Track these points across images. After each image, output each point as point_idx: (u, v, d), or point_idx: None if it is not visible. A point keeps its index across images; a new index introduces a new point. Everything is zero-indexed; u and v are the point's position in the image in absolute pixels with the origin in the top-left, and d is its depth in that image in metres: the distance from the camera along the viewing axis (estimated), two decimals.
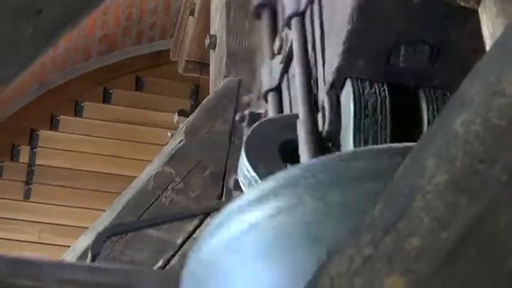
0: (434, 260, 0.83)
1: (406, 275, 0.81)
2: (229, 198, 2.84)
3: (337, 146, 2.13)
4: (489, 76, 0.98)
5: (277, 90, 2.52)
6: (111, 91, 7.57)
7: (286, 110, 2.43)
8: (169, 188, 4.23)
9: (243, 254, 1.61)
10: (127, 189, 4.41)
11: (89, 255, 2.59)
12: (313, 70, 2.27)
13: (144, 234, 4.02)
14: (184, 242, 3.68)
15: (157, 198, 4.21)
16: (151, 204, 4.20)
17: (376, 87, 2.11)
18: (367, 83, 2.10)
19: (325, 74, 2.18)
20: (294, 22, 2.37)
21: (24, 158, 7.35)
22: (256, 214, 1.65)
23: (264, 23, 2.82)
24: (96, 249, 2.60)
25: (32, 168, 7.29)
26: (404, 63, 2.08)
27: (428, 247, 0.83)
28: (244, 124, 2.74)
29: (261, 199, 1.65)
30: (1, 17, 0.95)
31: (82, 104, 7.53)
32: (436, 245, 0.84)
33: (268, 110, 2.52)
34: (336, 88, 2.14)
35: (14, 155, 7.36)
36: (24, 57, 1.08)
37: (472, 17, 2.10)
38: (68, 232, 6.37)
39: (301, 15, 2.39)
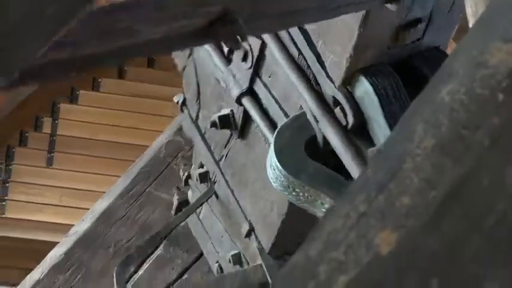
0: (423, 217, 0.83)
1: (397, 230, 0.81)
2: None
3: (364, 138, 2.12)
4: (472, 50, 0.97)
5: (251, 92, 2.49)
6: (125, 68, 7.56)
7: (272, 109, 2.41)
8: (179, 155, 4.23)
9: None
10: (140, 157, 4.42)
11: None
12: (307, 71, 2.26)
13: (155, 197, 4.03)
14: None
15: (168, 165, 4.22)
16: (163, 171, 4.21)
17: (384, 72, 2.11)
18: (376, 72, 2.10)
19: (328, 71, 2.17)
20: (269, 36, 2.34)
21: (46, 129, 7.37)
22: None
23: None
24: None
25: (54, 138, 7.31)
26: (405, 42, 2.08)
27: (418, 205, 0.83)
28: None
29: None
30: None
31: (99, 80, 7.53)
32: (424, 203, 0.84)
33: (250, 111, 2.49)
34: (345, 83, 2.13)
35: (37, 126, 7.38)
36: (45, 35, 1.07)
37: None
38: (87, 196, 6.38)
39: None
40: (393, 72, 2.10)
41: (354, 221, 0.81)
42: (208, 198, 2.84)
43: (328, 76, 2.14)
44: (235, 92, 2.47)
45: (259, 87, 2.43)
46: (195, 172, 2.93)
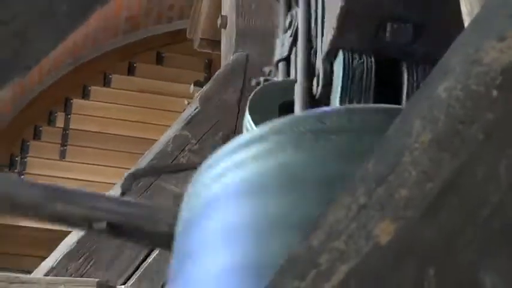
0: (421, 208, 0.83)
1: (396, 221, 0.81)
2: None
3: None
4: (468, 48, 0.97)
5: (287, 60, 2.53)
6: (135, 65, 7.57)
7: (293, 77, 2.45)
8: (186, 149, 4.24)
9: (229, 189, 1.63)
10: (149, 150, 4.43)
11: (119, 191, 2.64)
12: (314, 43, 2.28)
13: (163, 189, 4.03)
14: None
15: (175, 158, 4.22)
16: (176, 157, 4.23)
17: (365, 58, 2.11)
18: (357, 54, 2.10)
19: (322, 45, 2.18)
20: (301, 0, 2.38)
21: (59, 123, 7.37)
22: (242, 155, 1.67)
23: (281, 2, 2.83)
24: (125, 186, 2.65)
25: (67, 132, 7.31)
26: (390, 38, 2.08)
27: (415, 197, 0.83)
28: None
29: (248, 143, 1.67)
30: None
31: (110, 76, 7.53)
32: (422, 195, 0.83)
33: (278, 77, 2.53)
34: (329, 57, 2.14)
35: (51, 121, 7.38)
36: (59, 32, 1.08)
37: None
38: (98, 188, 6.37)
39: None
40: (371, 64, 2.09)
41: (355, 212, 0.81)
42: None
43: (320, 49, 2.16)
44: (276, 57, 2.51)
45: (293, 56, 2.47)
46: None
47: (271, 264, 1.19)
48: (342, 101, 2.05)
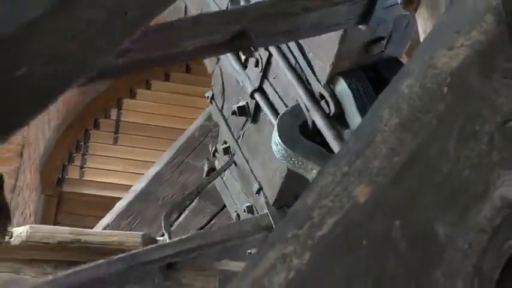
0: (389, 175, 0.82)
1: (371, 185, 0.80)
2: None
3: (342, 123, 2.13)
4: (425, 56, 0.96)
5: (261, 90, 2.51)
6: (169, 73, 7.56)
7: (276, 102, 2.42)
8: (209, 135, 4.25)
9: None
10: (181, 136, 4.43)
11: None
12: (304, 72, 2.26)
13: (191, 165, 4.06)
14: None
15: (200, 142, 4.24)
16: (197, 146, 4.23)
17: (357, 75, 2.10)
18: (351, 75, 2.10)
19: (317, 75, 2.17)
20: (274, 48, 2.34)
21: (113, 117, 7.37)
22: None
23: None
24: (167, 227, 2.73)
25: (119, 123, 7.31)
26: (372, 54, 2.08)
27: (385, 167, 0.82)
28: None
29: None
30: (98, 14, 0.94)
31: (151, 82, 7.53)
32: (390, 166, 0.82)
33: (260, 103, 2.50)
34: (329, 83, 2.14)
35: (106, 115, 7.38)
36: (112, 46, 1.07)
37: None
38: (143, 164, 6.38)
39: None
40: (363, 75, 2.09)
41: (339, 178, 0.80)
42: (229, 166, 2.88)
43: (316, 77, 2.14)
44: (250, 89, 2.48)
45: (266, 86, 2.44)
46: (220, 147, 2.96)
47: None
48: (361, 115, 2.05)
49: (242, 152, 2.77)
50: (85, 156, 7.15)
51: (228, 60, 2.62)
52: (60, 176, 7.06)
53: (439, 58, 0.94)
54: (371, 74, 2.11)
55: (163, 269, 2.63)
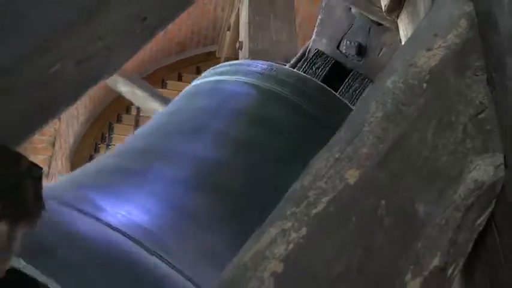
0: (375, 161, 0.81)
1: (359, 169, 0.79)
2: None
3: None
4: (406, 55, 0.95)
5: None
6: (182, 74, 7.55)
7: None
8: None
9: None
10: None
11: None
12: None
13: None
14: None
15: None
16: None
17: (327, 60, 2.10)
18: (324, 55, 2.10)
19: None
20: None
21: (133, 112, 7.37)
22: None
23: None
24: None
25: (138, 118, 7.30)
26: (345, 51, 2.07)
27: (372, 153, 0.81)
28: None
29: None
30: (120, 21, 0.93)
31: (166, 82, 7.52)
32: (376, 152, 0.82)
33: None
34: (312, 52, 2.15)
35: (127, 111, 7.38)
36: (132, 49, 1.06)
37: (387, 32, 2.10)
38: None
39: None
40: (330, 64, 2.09)
41: (332, 163, 0.79)
42: None
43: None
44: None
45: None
46: None
47: None
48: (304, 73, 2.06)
49: None
50: (109, 147, 7.14)
51: None
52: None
53: (419, 58, 0.93)
54: (338, 69, 2.10)
55: None
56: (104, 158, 1.69)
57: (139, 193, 1.34)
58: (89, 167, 1.60)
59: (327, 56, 2.09)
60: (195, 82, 2.12)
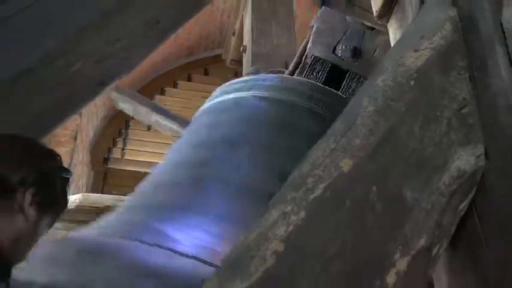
0: (367, 151, 0.80)
1: (353, 158, 0.79)
2: None
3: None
4: (396, 56, 0.94)
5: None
6: (192, 75, 7.52)
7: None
8: None
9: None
10: None
11: None
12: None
13: None
14: None
15: None
16: None
17: (325, 64, 2.10)
18: (319, 60, 2.10)
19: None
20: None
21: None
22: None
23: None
24: None
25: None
26: (341, 54, 2.06)
27: (364, 144, 0.81)
28: None
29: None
30: (136, 24, 0.93)
31: (177, 82, 7.49)
32: (368, 143, 0.81)
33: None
34: (309, 59, 2.14)
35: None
36: (147, 49, 1.05)
37: (380, 35, 2.10)
38: (169, 146, 6.36)
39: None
40: (326, 66, 2.09)
41: (328, 152, 0.79)
42: None
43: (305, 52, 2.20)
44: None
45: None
46: None
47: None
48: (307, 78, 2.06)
49: None
50: (125, 140, 7.13)
51: None
52: (106, 155, 7.04)
53: (407, 58, 0.93)
54: (336, 71, 2.09)
55: None
56: (156, 184, 1.61)
57: (204, 218, 1.27)
58: (146, 196, 1.52)
59: (324, 61, 2.09)
60: (218, 99, 2.07)
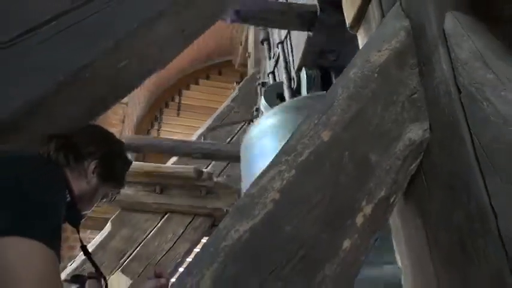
0: (342, 125, 0.79)
1: (331, 131, 0.78)
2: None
3: (298, 93, 2.12)
4: (364, 55, 0.93)
5: (273, 73, 2.50)
6: (209, 75, 7.48)
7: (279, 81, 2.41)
8: (232, 112, 4.20)
9: (265, 133, 1.61)
10: (215, 113, 4.38)
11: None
12: (289, 65, 2.24)
13: (218, 133, 4.00)
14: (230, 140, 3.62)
15: (227, 116, 4.19)
16: (227, 116, 4.19)
17: (314, 70, 2.08)
18: (311, 69, 2.07)
19: (294, 65, 2.15)
20: (280, 45, 2.34)
21: (177, 100, 7.32)
22: (268, 120, 1.64)
23: (266, 47, 2.78)
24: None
25: (180, 104, 7.26)
26: (326, 58, 2.04)
27: (339, 120, 0.80)
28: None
29: (270, 114, 1.64)
30: (168, 32, 0.91)
31: (199, 80, 7.45)
32: (342, 120, 0.80)
33: (270, 81, 2.51)
34: (298, 71, 2.11)
35: (173, 99, 7.33)
36: (177, 50, 1.04)
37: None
38: (194, 128, 6.35)
39: (282, 42, 2.36)
40: (317, 71, 2.06)
41: (312, 126, 0.78)
42: None
43: (293, 66, 2.14)
44: (268, 71, 2.58)
45: (276, 70, 2.50)
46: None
47: None
48: (308, 92, 2.04)
49: None
50: (160, 124, 7.14)
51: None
52: (145, 135, 7.05)
53: (372, 56, 0.91)
54: (323, 72, 2.08)
55: None
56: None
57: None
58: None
59: (313, 67, 2.07)
60: (275, 120, 1.88)
